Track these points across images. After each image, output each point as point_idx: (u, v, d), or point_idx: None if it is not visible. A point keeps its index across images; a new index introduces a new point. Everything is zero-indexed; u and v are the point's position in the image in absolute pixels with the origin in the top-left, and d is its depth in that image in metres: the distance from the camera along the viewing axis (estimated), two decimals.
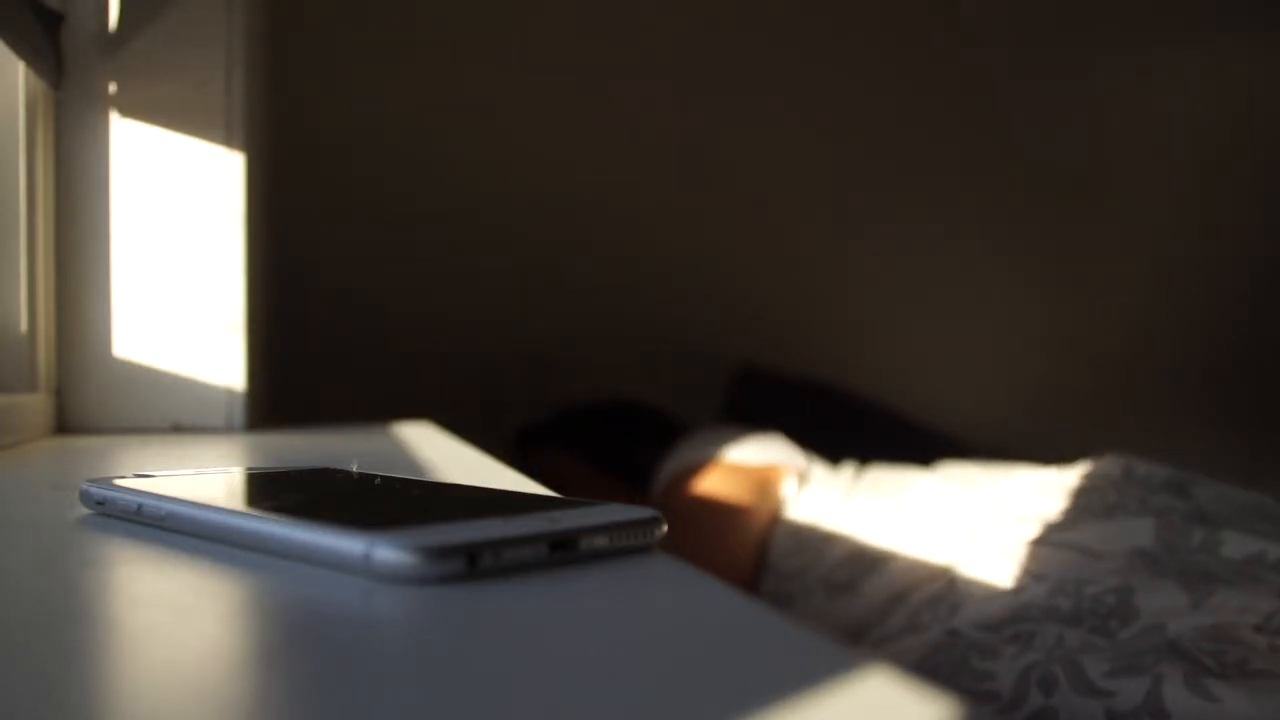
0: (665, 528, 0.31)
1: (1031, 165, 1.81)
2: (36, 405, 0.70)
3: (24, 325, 0.71)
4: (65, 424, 0.75)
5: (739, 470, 0.99)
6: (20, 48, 0.66)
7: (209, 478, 0.40)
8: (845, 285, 1.69)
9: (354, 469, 0.42)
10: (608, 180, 1.52)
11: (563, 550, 0.28)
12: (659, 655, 0.21)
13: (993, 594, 0.70)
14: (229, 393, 0.78)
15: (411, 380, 1.35)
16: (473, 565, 0.26)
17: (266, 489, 0.38)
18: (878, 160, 1.70)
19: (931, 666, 0.66)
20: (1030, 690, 0.61)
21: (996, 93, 1.77)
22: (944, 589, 0.75)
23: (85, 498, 0.37)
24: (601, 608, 0.25)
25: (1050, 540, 0.73)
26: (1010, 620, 0.66)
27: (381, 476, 0.40)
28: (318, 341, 1.31)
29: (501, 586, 0.26)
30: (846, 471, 1.00)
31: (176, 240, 0.77)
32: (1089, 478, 0.79)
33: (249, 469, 0.44)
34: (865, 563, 0.85)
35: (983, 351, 1.77)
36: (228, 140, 0.77)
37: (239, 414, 0.78)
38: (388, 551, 0.26)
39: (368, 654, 0.21)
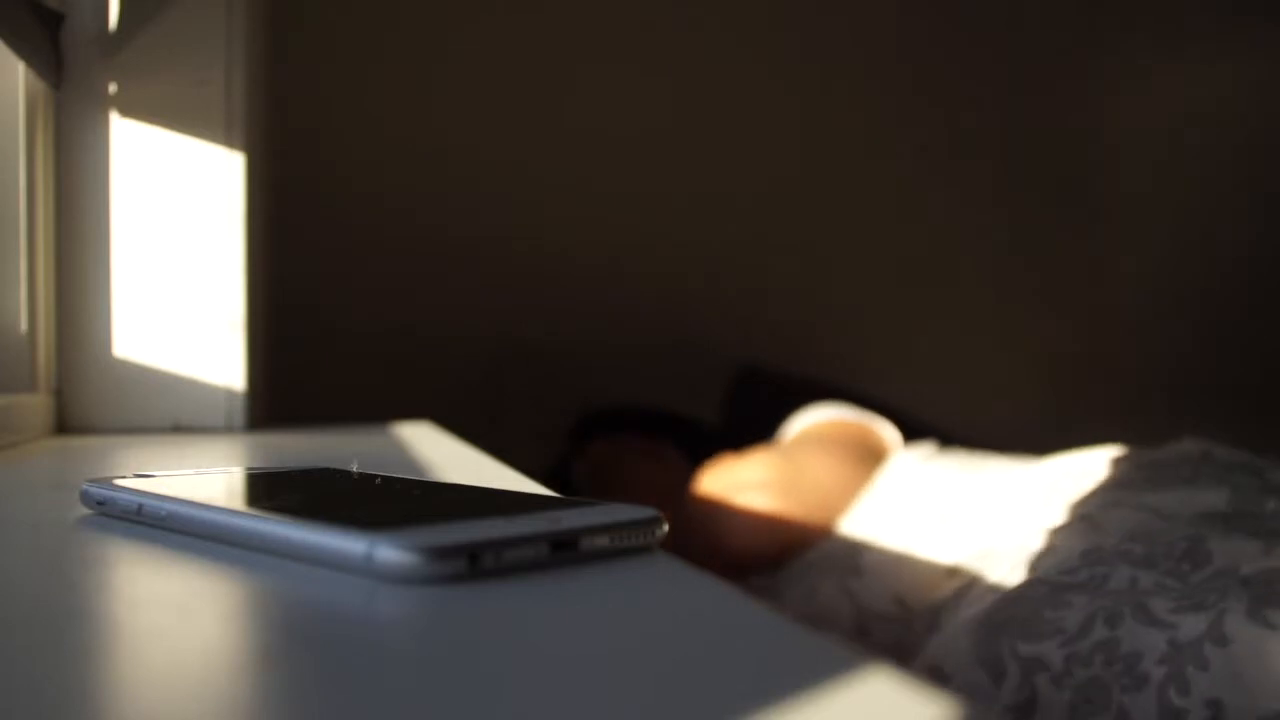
0: (666, 528, 0.31)
1: (1032, 165, 1.81)
2: (36, 405, 0.70)
3: (24, 325, 0.71)
4: (65, 424, 0.75)
5: (862, 430, 1.05)
6: (20, 48, 0.66)
7: (209, 478, 0.40)
8: (846, 286, 1.69)
9: (354, 469, 0.42)
10: (608, 180, 1.52)
11: (564, 550, 0.28)
12: (659, 655, 0.21)
13: (1066, 544, 0.71)
14: (229, 393, 0.78)
15: (411, 380, 1.35)
16: (474, 565, 0.26)
17: (267, 489, 0.38)
18: (878, 161, 1.70)
19: (1003, 619, 0.66)
20: (1096, 625, 0.62)
21: (997, 93, 1.77)
22: (1016, 548, 0.76)
23: (85, 498, 0.36)
24: (602, 608, 0.25)
25: (1125, 503, 0.74)
26: (1083, 563, 0.67)
27: (382, 476, 0.40)
28: (318, 342, 1.30)
29: (503, 586, 0.26)
30: (926, 446, 1.03)
31: (176, 240, 0.77)
32: (1167, 454, 0.80)
33: (249, 469, 0.44)
34: (939, 517, 0.87)
35: (984, 351, 1.77)
36: (228, 140, 0.77)
37: (239, 414, 0.78)
38: (389, 551, 0.26)
39: (369, 654, 0.21)
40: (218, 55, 0.77)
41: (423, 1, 1.42)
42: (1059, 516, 0.76)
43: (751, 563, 0.96)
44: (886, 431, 1.06)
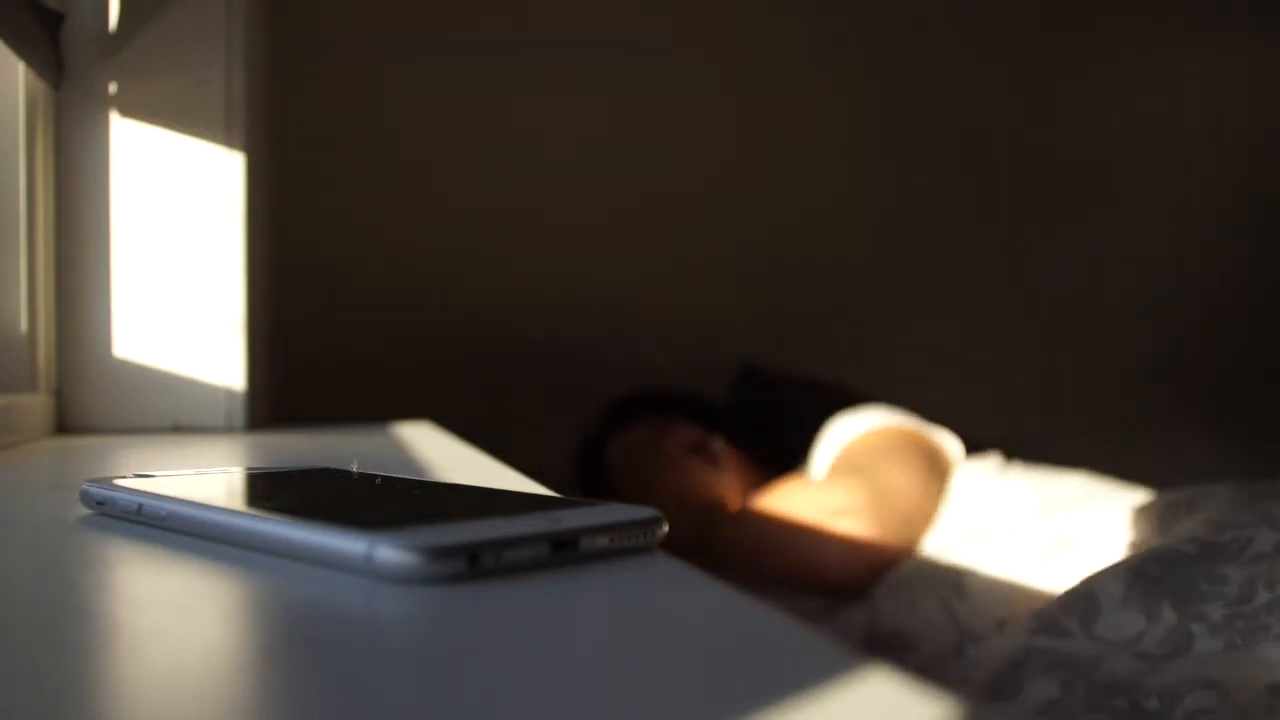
0: (666, 528, 0.31)
1: (1032, 165, 1.81)
2: (36, 405, 0.70)
3: (24, 325, 0.71)
4: (65, 424, 0.75)
5: (926, 440, 1.04)
6: (20, 48, 0.66)
7: (209, 478, 0.40)
8: (846, 285, 1.69)
9: (354, 469, 0.42)
10: (607, 180, 1.52)
11: (564, 550, 0.28)
12: (659, 655, 0.21)
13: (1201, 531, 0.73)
14: (229, 393, 0.78)
15: (411, 380, 1.35)
16: (474, 565, 0.26)
17: (267, 489, 0.38)
18: (877, 160, 1.70)
19: (1158, 574, 0.68)
20: (1258, 592, 0.65)
21: (997, 93, 1.77)
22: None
23: (85, 498, 0.36)
24: (602, 608, 0.25)
25: (1244, 508, 0.76)
26: (1227, 525, 0.70)
27: (382, 476, 0.40)
28: (318, 341, 1.30)
29: (502, 586, 0.26)
30: (991, 459, 1.04)
31: (176, 240, 0.77)
32: (1276, 483, 0.83)
33: (249, 469, 0.44)
34: (1042, 545, 0.88)
35: (983, 352, 1.77)
36: (228, 140, 0.77)
37: (239, 414, 0.78)
38: (389, 551, 0.26)
39: (369, 654, 0.21)
40: (218, 55, 0.77)
41: (424, 3, 1.42)
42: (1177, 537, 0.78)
43: (845, 588, 0.94)
44: (949, 443, 1.05)
